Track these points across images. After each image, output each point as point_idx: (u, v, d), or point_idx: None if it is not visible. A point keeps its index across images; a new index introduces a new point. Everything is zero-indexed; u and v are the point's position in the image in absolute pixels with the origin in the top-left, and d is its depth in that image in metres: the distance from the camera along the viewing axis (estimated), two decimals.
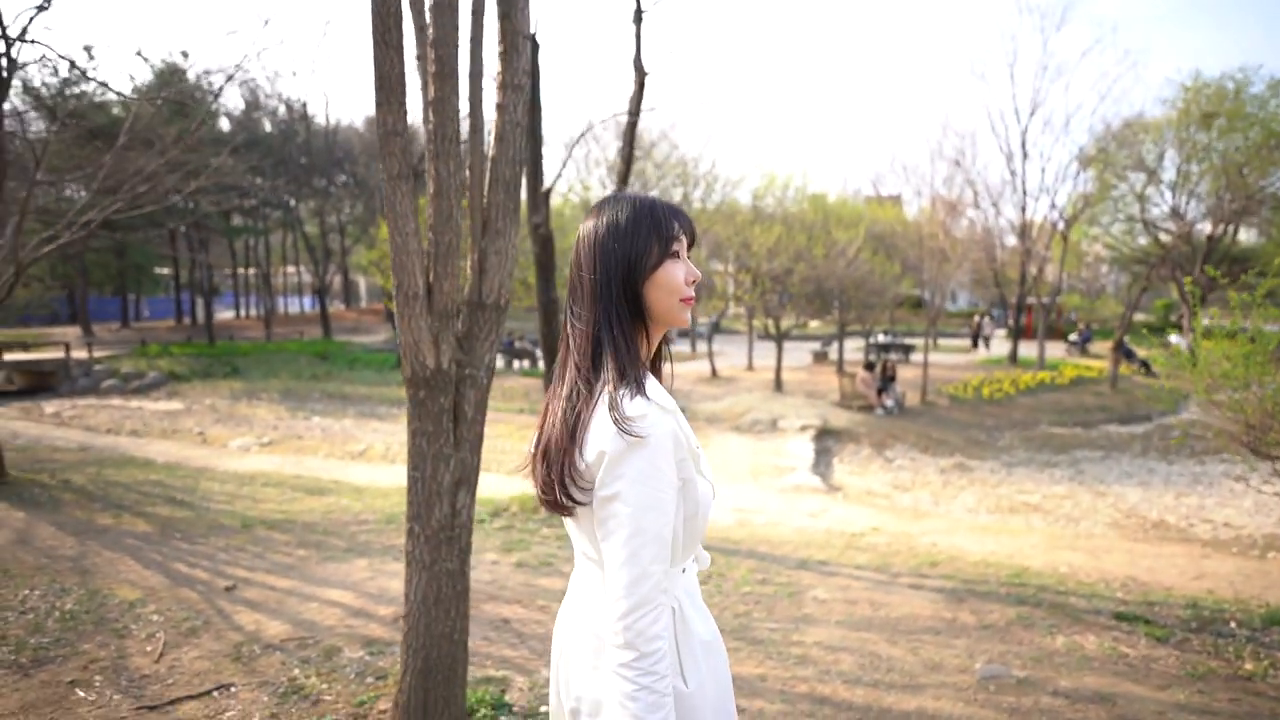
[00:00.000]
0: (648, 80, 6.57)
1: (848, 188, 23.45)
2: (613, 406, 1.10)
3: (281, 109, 33.00)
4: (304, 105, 29.97)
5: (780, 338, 16.88)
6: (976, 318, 29.37)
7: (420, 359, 2.30)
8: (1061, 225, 21.21)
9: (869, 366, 16.62)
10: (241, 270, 42.79)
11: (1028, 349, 23.81)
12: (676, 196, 19.80)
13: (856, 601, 4.52)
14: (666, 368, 1.35)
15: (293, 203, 36.20)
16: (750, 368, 21.52)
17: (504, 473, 8.96)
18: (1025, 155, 21.55)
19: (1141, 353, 20.01)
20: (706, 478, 1.23)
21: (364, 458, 12.83)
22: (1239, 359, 4.10)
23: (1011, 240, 22.91)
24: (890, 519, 8.32)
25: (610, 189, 21.55)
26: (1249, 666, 3.64)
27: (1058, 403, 17.85)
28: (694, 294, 1.23)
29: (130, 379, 20.38)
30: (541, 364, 10.92)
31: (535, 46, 6.19)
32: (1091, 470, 13.00)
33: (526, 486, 6.71)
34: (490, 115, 2.44)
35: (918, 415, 16.09)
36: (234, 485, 7.78)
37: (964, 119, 51.96)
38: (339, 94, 57.24)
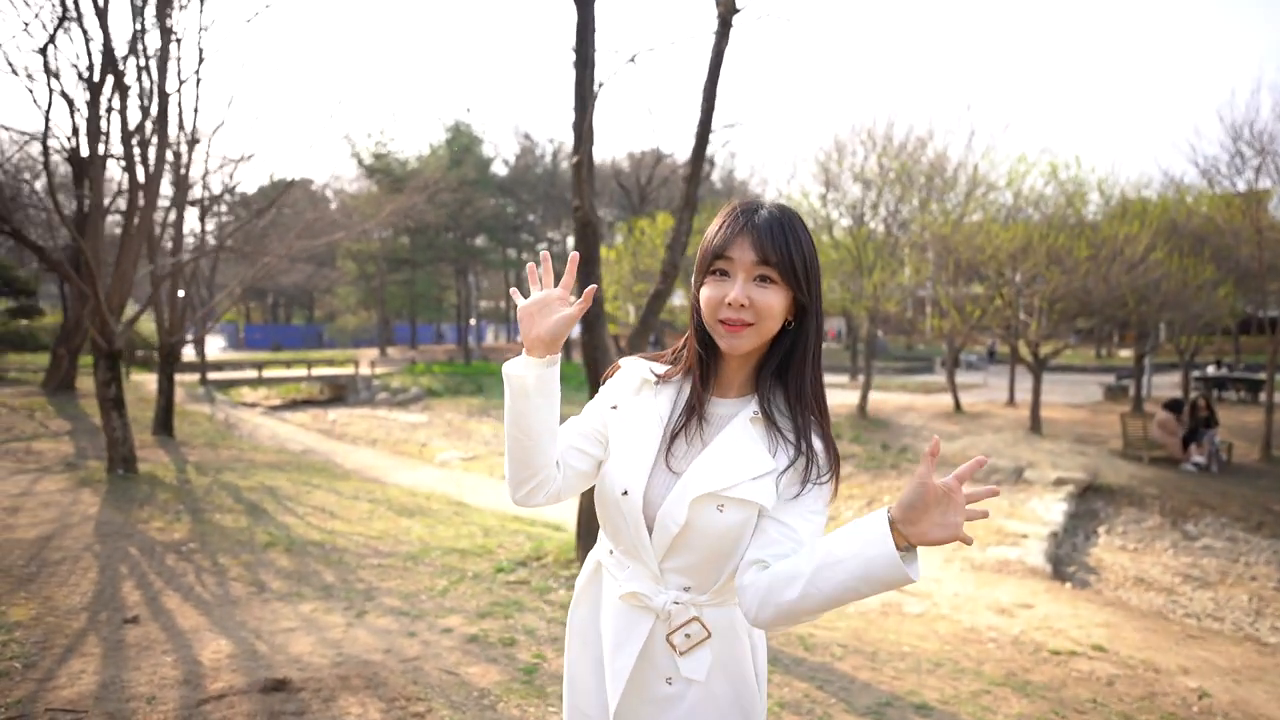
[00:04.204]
0: (751, 19, 5.03)
1: (1170, 184, 18.03)
2: None
3: (549, 150, 35.95)
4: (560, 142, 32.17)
5: (1039, 365, 13.35)
6: None
7: None
8: None
9: (1173, 406, 12.35)
10: None
11: None
12: (913, 204, 17.07)
13: None
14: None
15: (560, 235, 39.26)
16: (1011, 403, 17.67)
17: None
18: None
19: None
20: (618, 470, 1.21)
21: None
22: None
23: None
24: (1136, 632, 5.47)
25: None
26: None
27: None
28: (742, 318, 1.14)
29: (397, 393, 23.11)
30: None
31: None
32: None
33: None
34: None
35: (1252, 476, 11.49)
36: (346, 499, 7.67)
37: None
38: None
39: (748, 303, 1.12)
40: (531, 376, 1.14)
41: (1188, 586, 7.85)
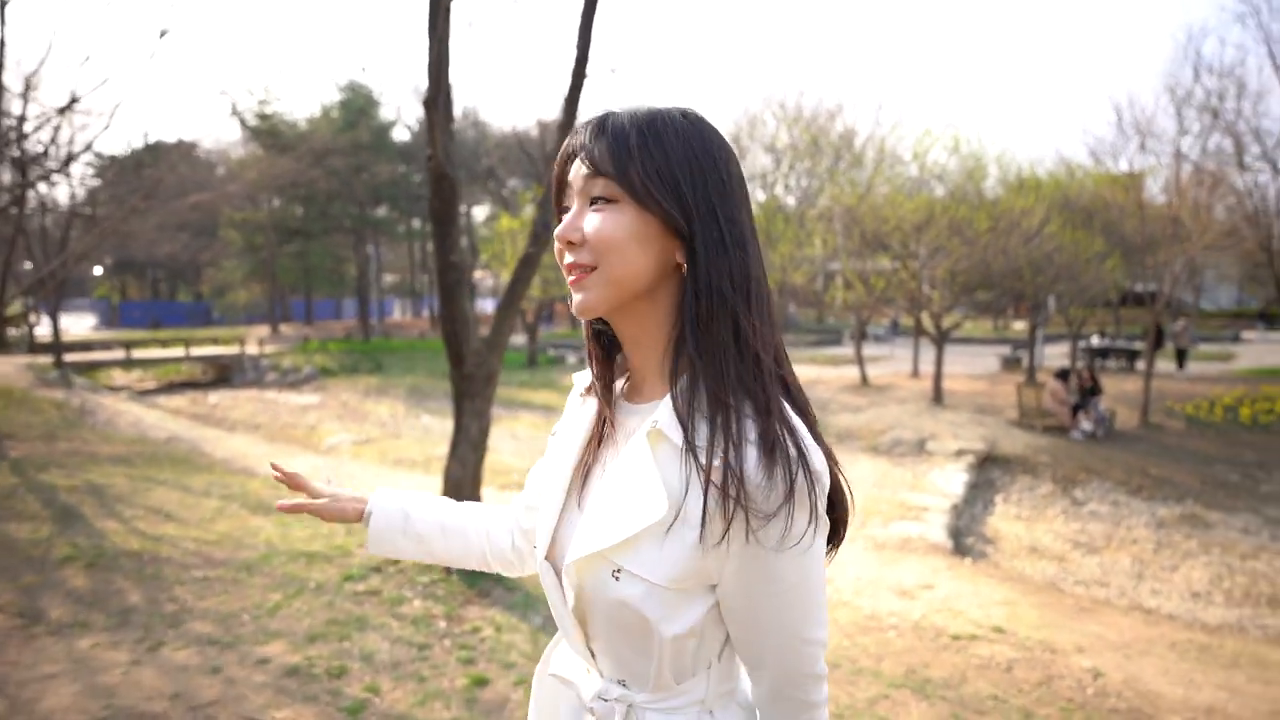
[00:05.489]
0: None
1: (1061, 163, 18.69)
2: None
3: (456, 115, 34.23)
4: (474, 110, 30.69)
5: (942, 337, 13.52)
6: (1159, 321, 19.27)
7: None
8: None
9: (1062, 375, 12.74)
10: (426, 276, 45.67)
11: None
12: (820, 182, 16.98)
13: None
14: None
15: (465, 206, 37.69)
16: (915, 374, 18.05)
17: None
18: None
19: None
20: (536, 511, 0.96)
21: (437, 462, 11.78)
22: None
23: None
24: (1033, 608, 5.35)
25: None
26: None
27: None
28: (578, 259, 0.79)
29: (288, 373, 21.54)
30: None
31: None
32: None
33: None
34: None
35: (1133, 441, 11.98)
36: (193, 496, 6.75)
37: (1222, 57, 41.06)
38: (489, 99, 59.85)
39: (578, 237, 0.78)
40: (387, 541, 1.06)
41: (1077, 553, 7.97)
